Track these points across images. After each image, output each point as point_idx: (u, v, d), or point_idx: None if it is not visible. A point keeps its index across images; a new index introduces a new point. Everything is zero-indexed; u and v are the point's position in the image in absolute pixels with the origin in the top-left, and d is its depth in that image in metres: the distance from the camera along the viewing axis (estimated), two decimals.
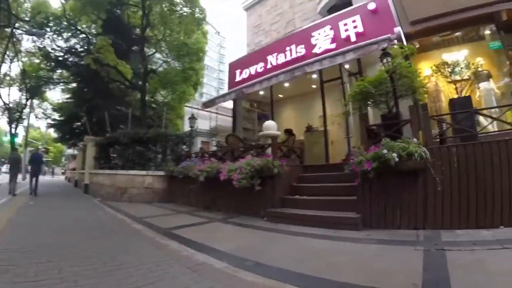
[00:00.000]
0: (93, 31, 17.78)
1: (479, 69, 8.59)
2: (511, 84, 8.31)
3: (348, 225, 5.66)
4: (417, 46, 9.44)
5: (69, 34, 19.05)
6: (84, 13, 15.33)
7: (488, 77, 8.62)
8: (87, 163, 16.04)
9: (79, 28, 16.87)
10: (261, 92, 13.59)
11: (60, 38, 19.59)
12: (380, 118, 7.68)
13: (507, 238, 4.13)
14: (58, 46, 20.15)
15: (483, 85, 8.61)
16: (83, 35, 18.47)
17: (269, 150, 8.16)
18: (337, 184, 7.27)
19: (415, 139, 5.62)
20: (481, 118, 7.19)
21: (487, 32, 9.00)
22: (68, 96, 23.45)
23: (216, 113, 15.75)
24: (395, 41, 8.40)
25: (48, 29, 18.59)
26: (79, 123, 21.33)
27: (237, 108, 13.97)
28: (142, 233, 6.09)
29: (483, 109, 7.38)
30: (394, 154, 5.32)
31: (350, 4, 12.25)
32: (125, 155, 12.29)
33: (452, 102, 7.78)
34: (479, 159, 5.15)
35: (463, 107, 6.99)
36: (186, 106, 20.81)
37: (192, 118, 13.55)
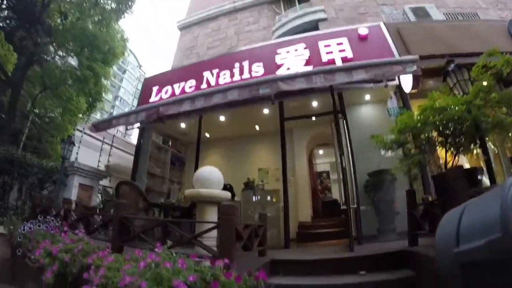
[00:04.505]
0: None
1: None
2: None
3: None
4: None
5: None
6: None
7: None
8: None
9: None
10: (183, 125, 8.85)
11: None
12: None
13: None
14: None
15: None
16: None
17: (211, 235, 3.36)
18: None
19: None
20: None
21: None
22: None
23: (111, 145, 10.20)
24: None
25: None
26: None
27: (144, 141, 8.79)
28: None
29: None
30: None
31: None
32: None
33: None
34: None
35: None
36: (79, 131, 14.59)
37: (69, 143, 8.01)
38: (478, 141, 3.61)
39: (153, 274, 2.48)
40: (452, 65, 5.02)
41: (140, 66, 57.42)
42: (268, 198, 6.91)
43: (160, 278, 2.43)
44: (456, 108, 3.22)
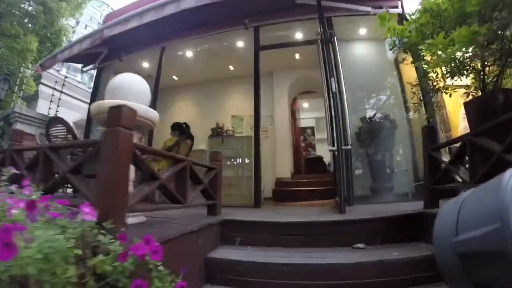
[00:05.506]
0: None
1: None
2: None
3: None
4: None
5: None
6: None
7: None
8: None
9: None
10: (145, 65, 7.32)
11: None
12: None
13: None
14: None
15: None
16: None
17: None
18: None
19: None
20: None
21: None
22: None
23: (61, 91, 8.59)
24: None
25: None
26: None
27: (101, 85, 7.30)
28: None
29: None
30: None
31: None
32: None
33: None
34: None
35: None
36: (43, 84, 12.86)
37: (3, 82, 6.51)
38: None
39: None
40: None
41: None
42: (239, 146, 5.60)
43: None
44: None
